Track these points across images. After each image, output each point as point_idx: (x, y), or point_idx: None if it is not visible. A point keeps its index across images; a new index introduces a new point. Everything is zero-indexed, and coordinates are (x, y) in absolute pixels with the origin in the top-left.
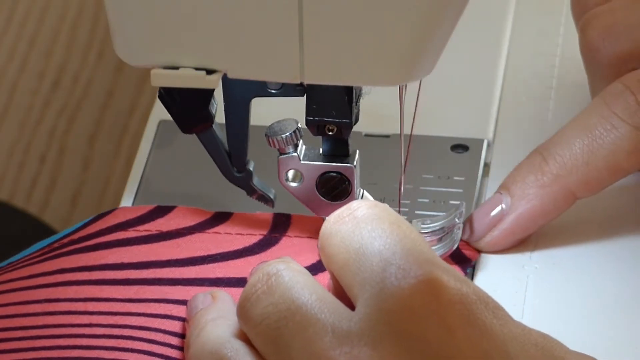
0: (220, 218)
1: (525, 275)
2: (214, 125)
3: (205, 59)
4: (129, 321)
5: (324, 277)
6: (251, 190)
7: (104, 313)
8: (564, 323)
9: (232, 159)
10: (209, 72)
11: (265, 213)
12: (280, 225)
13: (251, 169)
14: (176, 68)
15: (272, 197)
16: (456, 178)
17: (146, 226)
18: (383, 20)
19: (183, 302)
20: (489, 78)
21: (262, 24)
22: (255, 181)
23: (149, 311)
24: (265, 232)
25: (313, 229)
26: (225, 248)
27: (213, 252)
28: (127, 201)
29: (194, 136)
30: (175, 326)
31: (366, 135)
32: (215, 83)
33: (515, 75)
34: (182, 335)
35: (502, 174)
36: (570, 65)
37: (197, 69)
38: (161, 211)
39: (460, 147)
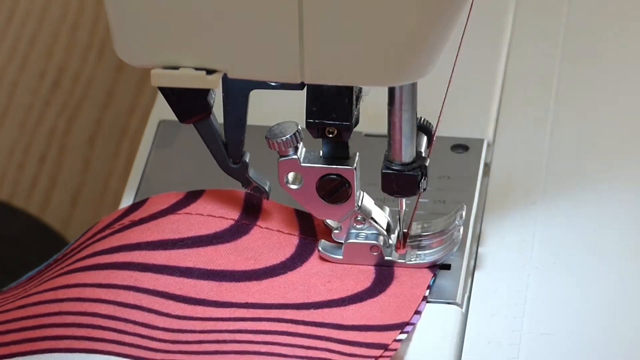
0: (192, 196)
1: (525, 274)
2: (211, 116)
3: (205, 59)
4: (98, 309)
5: (295, 275)
6: (246, 182)
7: (72, 299)
8: (564, 323)
9: (229, 150)
10: (209, 72)
11: (237, 190)
12: (251, 211)
13: (247, 160)
14: (176, 68)
15: (267, 189)
16: (456, 178)
17: (121, 222)
18: (383, 21)
19: (153, 292)
20: (489, 78)
21: (262, 24)
22: (251, 173)
23: (118, 299)
24: (236, 217)
25: (283, 221)
26: (196, 231)
27: (184, 234)
28: (127, 201)
29: (194, 136)
30: (145, 317)
31: (366, 135)
32: (215, 83)
33: (515, 75)
34: (152, 327)
35: (502, 174)
36: (570, 65)
37: (197, 69)
38: (136, 206)
39: (460, 147)
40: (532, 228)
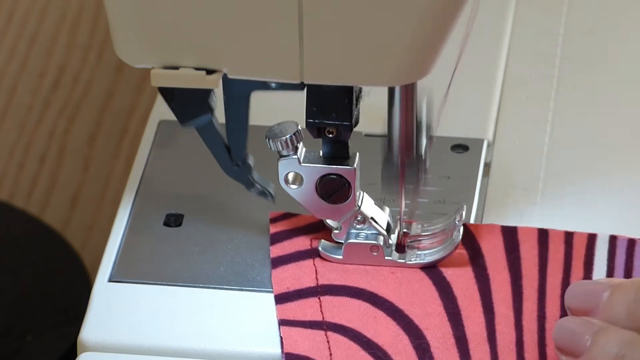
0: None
1: None
2: (213, 119)
3: (205, 59)
4: None
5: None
6: (250, 185)
7: None
8: None
9: (232, 153)
10: (209, 72)
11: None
12: None
13: (250, 163)
14: (176, 68)
15: (271, 192)
16: (456, 178)
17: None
18: (383, 21)
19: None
20: (489, 78)
21: (262, 24)
22: (255, 175)
23: None
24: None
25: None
26: None
27: None
28: (127, 201)
29: (194, 136)
30: None
31: (366, 135)
32: (215, 83)
33: (515, 75)
34: None
35: (502, 174)
36: (570, 65)
37: (197, 69)
38: None
39: (460, 147)
40: None
